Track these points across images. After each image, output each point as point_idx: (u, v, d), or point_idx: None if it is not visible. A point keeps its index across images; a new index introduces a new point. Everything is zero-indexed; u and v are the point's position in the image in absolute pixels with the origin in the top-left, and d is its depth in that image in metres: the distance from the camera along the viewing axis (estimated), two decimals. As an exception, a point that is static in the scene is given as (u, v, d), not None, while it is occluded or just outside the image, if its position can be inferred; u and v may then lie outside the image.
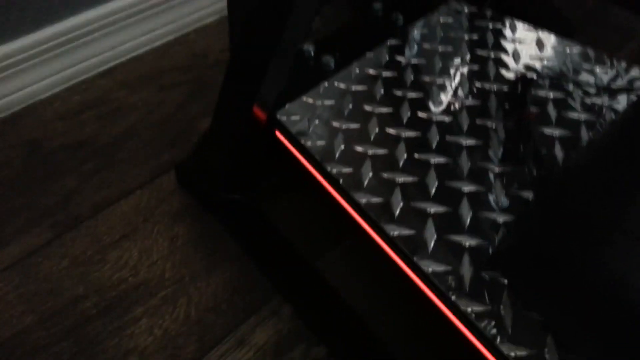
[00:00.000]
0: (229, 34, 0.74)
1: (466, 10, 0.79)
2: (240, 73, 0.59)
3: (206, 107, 0.83)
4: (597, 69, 0.70)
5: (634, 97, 0.67)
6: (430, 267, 0.51)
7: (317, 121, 0.64)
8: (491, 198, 0.56)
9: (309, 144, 0.62)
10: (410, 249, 0.52)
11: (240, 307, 0.60)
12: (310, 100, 0.67)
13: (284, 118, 0.65)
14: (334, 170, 0.59)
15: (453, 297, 0.49)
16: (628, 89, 0.68)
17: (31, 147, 0.77)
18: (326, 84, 0.69)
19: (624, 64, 0.71)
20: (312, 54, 0.73)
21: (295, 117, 0.65)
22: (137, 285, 0.62)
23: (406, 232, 0.53)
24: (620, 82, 0.69)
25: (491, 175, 0.58)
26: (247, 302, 0.60)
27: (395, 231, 0.53)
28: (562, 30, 0.94)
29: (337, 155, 0.60)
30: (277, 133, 0.65)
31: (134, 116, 0.82)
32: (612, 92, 0.67)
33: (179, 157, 0.75)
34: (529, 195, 0.56)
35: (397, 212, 0.55)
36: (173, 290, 0.61)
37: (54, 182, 0.72)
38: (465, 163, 0.59)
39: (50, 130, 0.79)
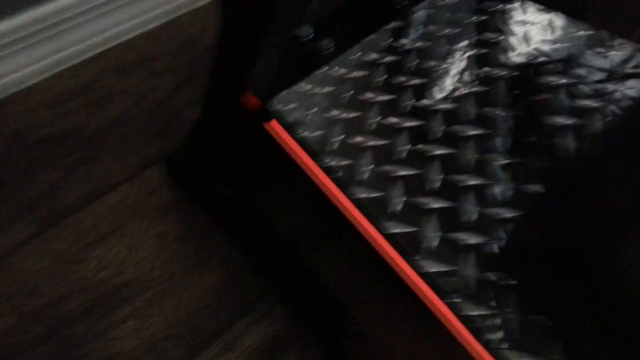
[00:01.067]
0: (221, 15, 0.70)
1: (473, -10, 0.75)
2: (230, 57, 0.55)
3: (198, 94, 0.79)
4: (611, 52, 0.66)
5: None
6: (433, 267, 0.47)
7: (314, 110, 0.60)
8: (498, 192, 0.52)
9: (305, 134, 0.58)
10: (411, 247, 0.49)
11: (232, 308, 0.57)
12: (307, 87, 0.63)
13: (278, 106, 0.61)
14: (332, 163, 0.55)
15: (457, 300, 0.45)
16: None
17: (14, 137, 0.73)
18: (324, 69, 0.65)
19: (637, 46, 0.66)
20: (310, 37, 0.69)
21: (290, 106, 0.61)
22: (123, 284, 0.59)
23: (407, 229, 0.50)
24: (638, 67, 0.64)
25: (498, 168, 0.54)
26: (239, 302, 0.57)
27: (395, 228, 0.50)
28: (576, 9, 0.89)
29: (334, 147, 0.57)
30: (271, 122, 0.61)
31: (122, 104, 0.78)
32: (626, 77, 0.63)
33: (170, 148, 0.71)
34: (538, 188, 0.52)
35: (398, 207, 0.51)
36: (161, 289, 0.58)
37: (38, 175, 0.69)
38: (471, 154, 0.56)
39: (35, 119, 0.76)
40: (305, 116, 0.59)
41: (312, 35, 0.69)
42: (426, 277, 0.47)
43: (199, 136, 0.62)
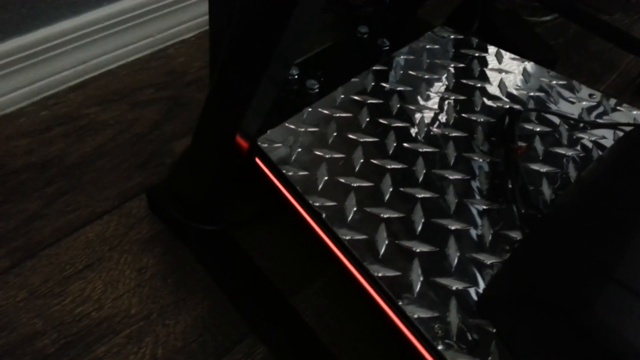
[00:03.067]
0: (210, 51, 0.71)
1: (452, 37, 0.78)
2: (224, 98, 0.56)
3: (182, 126, 0.79)
4: (582, 102, 0.69)
5: (620, 133, 0.66)
6: (416, 312, 0.48)
7: (299, 149, 0.61)
8: (478, 237, 0.54)
9: (290, 173, 0.59)
10: (395, 291, 0.49)
11: (211, 347, 0.56)
12: (293, 127, 0.64)
13: (265, 145, 0.62)
14: (317, 203, 0.56)
15: (439, 347, 0.46)
16: (614, 124, 0.67)
17: (-9, 165, 0.72)
18: (310, 109, 0.67)
19: (612, 101, 0.70)
20: (296, 77, 0.71)
21: (276, 144, 0.62)
22: (100, 321, 0.58)
23: (391, 273, 0.51)
24: (606, 117, 0.68)
25: (477, 213, 0.56)
26: (218, 341, 0.56)
27: (379, 272, 0.50)
28: (545, 58, 0.94)
29: (320, 187, 0.58)
30: (257, 160, 0.62)
31: (104, 134, 0.77)
32: (597, 126, 0.67)
33: (151, 181, 0.71)
34: (516, 235, 0.54)
35: (382, 250, 0.52)
36: (139, 327, 0.57)
37: (15, 205, 0.68)
38: (452, 199, 0.57)
39: (13, 148, 0.74)
40: (291, 155, 0.60)
41: (299, 75, 0.70)
42: (409, 322, 0.48)
43: (185, 171, 0.62)
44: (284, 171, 0.59)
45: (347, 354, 0.56)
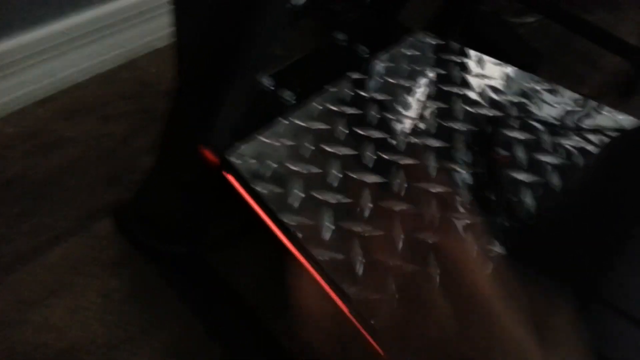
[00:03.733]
0: (177, 60, 0.68)
1: (432, 42, 0.76)
2: (188, 108, 0.53)
3: (153, 141, 0.76)
4: (565, 106, 0.67)
5: (605, 138, 0.64)
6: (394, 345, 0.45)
7: (273, 164, 0.59)
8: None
9: (264, 190, 0.56)
10: (372, 314, 0.46)
11: (183, 377, 0.53)
12: (267, 140, 0.61)
13: (236, 160, 0.58)
14: (292, 222, 0.53)
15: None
16: (598, 129, 0.65)
17: (-50, 186, 0.68)
18: (285, 121, 0.64)
19: (593, 103, 0.68)
20: (271, 87, 0.68)
21: (249, 159, 0.59)
22: (64, 350, 0.54)
23: (369, 294, 0.48)
24: (591, 121, 0.66)
25: (461, 227, 0.53)
26: (190, 371, 0.53)
27: (357, 295, 0.48)
28: (529, 60, 0.92)
29: (295, 205, 0.55)
30: (229, 177, 0.59)
31: (72, 151, 0.74)
32: (582, 131, 0.64)
33: (121, 198, 0.67)
34: (500, 249, 0.52)
35: (360, 270, 0.49)
36: (104, 357, 0.54)
37: (-25, 228, 0.64)
38: (433, 213, 0.55)
39: (-26, 166, 0.71)
40: (265, 171, 0.58)
41: (274, 85, 0.68)
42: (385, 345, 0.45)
43: (152, 189, 0.59)
44: (257, 188, 0.56)
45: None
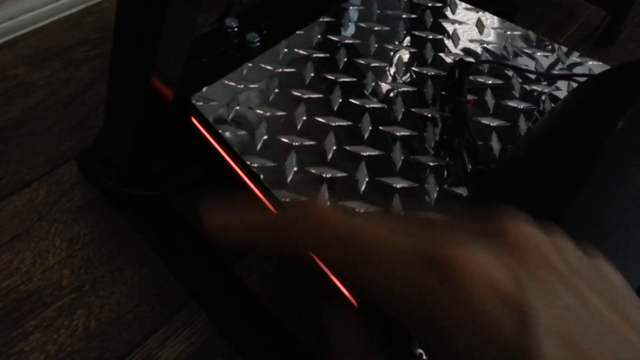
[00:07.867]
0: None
1: (406, -14, 0.74)
2: (132, 36, 0.49)
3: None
4: (538, 54, 0.67)
5: (574, 84, 0.64)
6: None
7: (238, 107, 0.58)
8: (423, 194, 0.52)
9: (227, 133, 0.55)
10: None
11: (149, 318, 0.53)
12: (232, 83, 0.60)
13: (200, 103, 0.58)
14: (255, 164, 0.53)
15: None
16: (568, 75, 0.65)
17: None
18: (250, 64, 0.62)
19: (564, 49, 0.67)
20: (236, 29, 0.66)
21: (213, 103, 0.58)
22: (29, 294, 0.54)
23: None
24: (562, 68, 0.65)
25: (424, 170, 0.54)
26: (156, 311, 0.54)
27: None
28: (505, 8, 0.90)
29: (258, 147, 0.54)
30: (193, 120, 0.58)
31: (34, 96, 0.72)
32: (553, 78, 0.64)
33: (84, 145, 0.66)
34: (463, 191, 0.52)
35: (322, 212, 0.50)
36: (70, 299, 0.54)
37: None
38: (398, 156, 0.55)
39: None
40: (229, 114, 0.57)
41: (239, 27, 0.66)
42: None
43: (109, 130, 0.58)
44: (220, 131, 0.55)
45: (291, 322, 0.54)
